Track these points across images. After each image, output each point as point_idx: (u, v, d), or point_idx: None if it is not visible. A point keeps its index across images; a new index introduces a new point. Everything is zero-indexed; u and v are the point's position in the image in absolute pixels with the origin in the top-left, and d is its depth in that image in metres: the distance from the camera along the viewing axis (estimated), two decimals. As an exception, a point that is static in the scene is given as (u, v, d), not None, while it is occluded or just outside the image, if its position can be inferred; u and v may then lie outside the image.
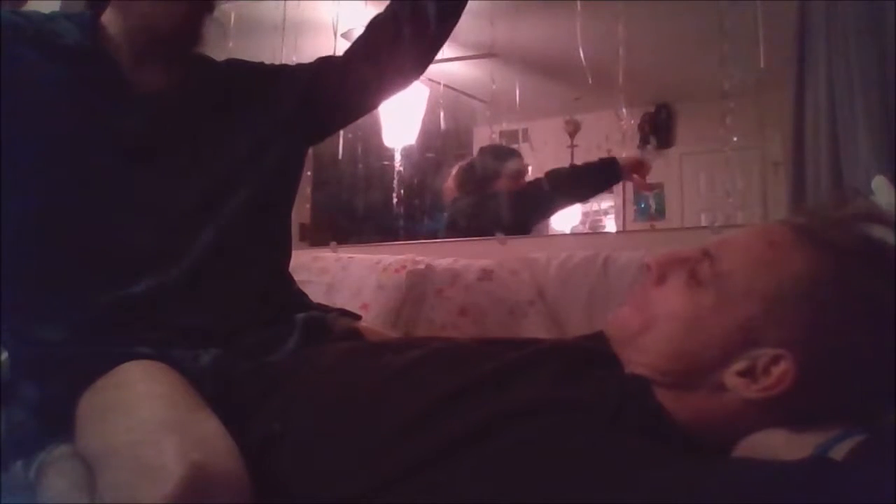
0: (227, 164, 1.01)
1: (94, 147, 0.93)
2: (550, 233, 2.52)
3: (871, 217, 0.67)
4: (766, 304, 0.64)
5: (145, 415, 0.74)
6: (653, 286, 0.73)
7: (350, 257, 1.92)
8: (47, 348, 0.90)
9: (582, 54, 2.13)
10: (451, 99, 2.84)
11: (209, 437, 0.70)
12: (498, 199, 2.32)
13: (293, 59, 1.20)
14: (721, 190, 2.18)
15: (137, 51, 0.97)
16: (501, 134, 2.95)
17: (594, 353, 0.76)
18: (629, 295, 0.77)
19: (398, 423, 0.66)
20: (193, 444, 0.67)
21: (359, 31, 1.14)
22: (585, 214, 2.91)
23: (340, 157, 2.78)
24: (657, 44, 2.53)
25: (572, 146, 2.86)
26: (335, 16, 2.38)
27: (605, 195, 2.77)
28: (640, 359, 0.70)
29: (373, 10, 1.13)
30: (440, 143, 2.93)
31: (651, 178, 2.40)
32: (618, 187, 2.71)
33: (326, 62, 1.13)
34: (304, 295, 1.13)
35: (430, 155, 2.94)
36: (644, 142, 2.86)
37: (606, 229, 2.87)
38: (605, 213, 2.93)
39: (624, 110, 2.40)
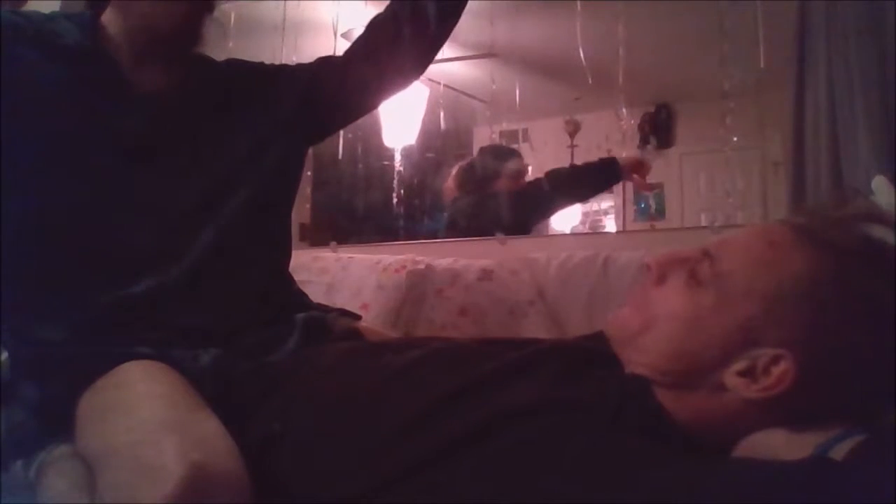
0: (227, 164, 1.01)
1: (94, 147, 0.93)
2: (550, 233, 2.52)
3: (871, 217, 0.67)
4: (766, 303, 0.64)
5: (145, 415, 0.74)
6: (653, 286, 0.73)
7: (350, 257, 1.92)
8: (47, 348, 0.90)
9: (582, 54, 2.13)
10: (451, 99, 2.84)
11: (209, 437, 0.70)
12: (498, 199, 2.32)
13: (293, 59, 1.20)
14: (721, 190, 2.18)
15: (137, 51, 0.97)
16: (501, 134, 2.95)
17: (594, 353, 0.76)
18: (629, 295, 0.77)
19: (398, 423, 0.66)
20: (193, 444, 0.67)
21: (359, 31, 1.14)
22: (585, 214, 2.91)
23: (340, 157, 2.78)
24: (657, 44, 2.53)
25: (572, 146, 2.86)
26: (335, 16, 2.38)
27: (605, 195, 2.77)
28: (640, 359, 0.70)
29: (373, 10, 1.13)
30: (440, 143, 2.93)
31: (651, 178, 2.40)
32: (618, 187, 2.71)
33: (326, 62, 1.13)
34: (304, 295, 1.13)
35: (430, 155, 2.94)
36: (644, 142, 2.86)
37: (606, 229, 2.87)
38: (605, 213, 2.93)
39: (624, 110, 2.40)
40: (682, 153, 2.88)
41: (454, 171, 2.55)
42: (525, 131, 3.02)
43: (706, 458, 0.62)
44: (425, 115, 2.80)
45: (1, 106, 0.88)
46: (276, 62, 1.18)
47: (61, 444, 0.82)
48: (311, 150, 1.24)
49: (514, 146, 2.85)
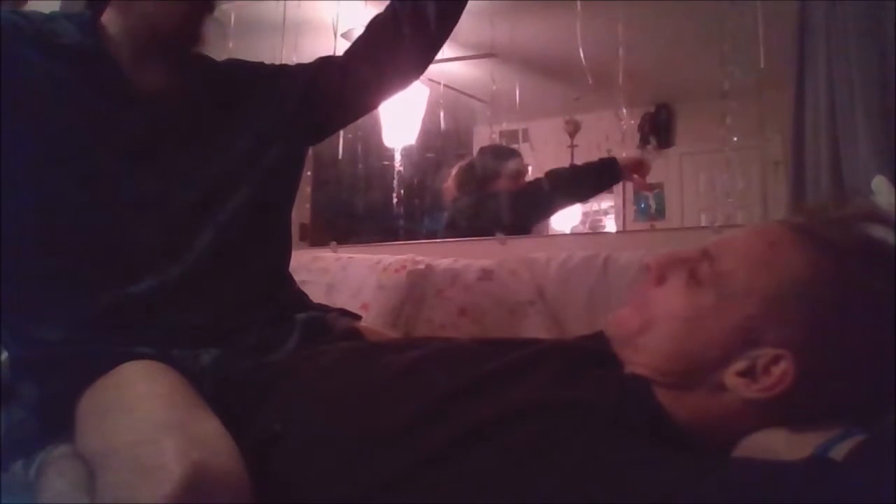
0: (227, 164, 1.01)
1: (94, 147, 0.93)
2: (550, 233, 2.52)
3: (870, 216, 0.67)
4: (766, 303, 0.64)
5: (145, 414, 0.73)
6: (652, 287, 0.73)
7: (350, 257, 1.92)
8: (47, 348, 0.90)
9: (582, 54, 2.12)
10: (451, 99, 2.84)
11: (209, 437, 0.70)
12: (498, 199, 2.32)
13: (293, 59, 1.20)
14: (721, 190, 2.18)
15: (138, 51, 0.97)
16: (501, 134, 2.95)
17: (594, 353, 0.76)
18: (629, 296, 0.77)
19: (398, 423, 0.66)
20: (193, 444, 0.67)
21: (359, 31, 1.14)
22: (585, 214, 2.91)
23: (340, 157, 2.78)
24: (657, 44, 2.52)
25: (572, 146, 2.86)
26: (335, 16, 2.38)
27: (605, 195, 2.77)
28: (640, 359, 0.70)
29: (373, 10, 1.13)
30: (440, 143, 2.93)
31: (651, 178, 2.40)
32: (618, 187, 2.71)
33: (326, 62, 1.13)
34: (304, 295, 1.13)
35: (430, 155, 2.94)
36: (644, 142, 2.86)
37: (606, 229, 2.87)
38: (605, 213, 2.93)
39: (624, 110, 2.40)
40: (682, 153, 2.88)
41: (454, 171, 2.55)
42: (525, 131, 3.02)
43: (706, 458, 0.62)
44: (425, 115, 2.80)
45: (1, 106, 0.88)
46: (276, 62, 1.18)
47: (61, 444, 0.82)
48: (311, 150, 1.23)
49: (514, 146, 2.84)
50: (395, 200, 2.77)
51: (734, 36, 1.84)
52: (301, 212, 2.98)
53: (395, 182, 2.78)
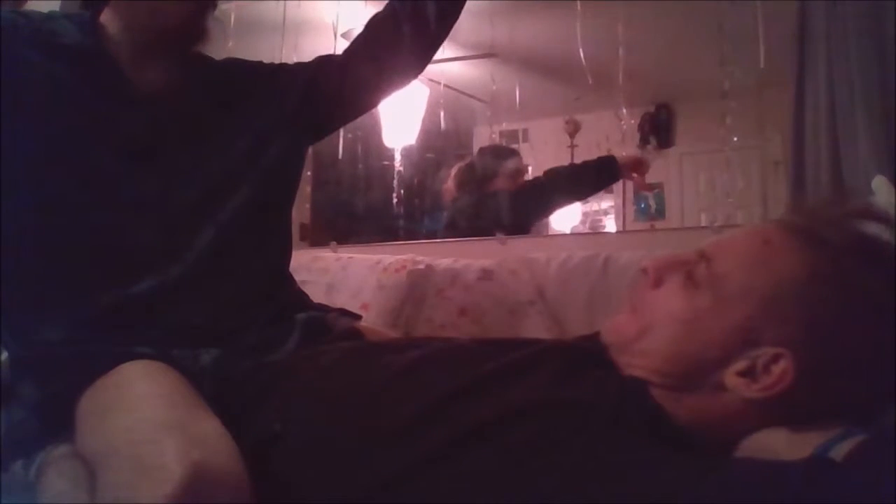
0: (227, 164, 1.01)
1: (94, 147, 0.93)
2: (550, 233, 2.52)
3: (866, 214, 0.67)
4: (764, 303, 0.64)
5: (145, 414, 0.73)
6: (650, 290, 0.73)
7: (350, 257, 1.92)
8: (47, 348, 0.90)
9: (582, 54, 2.12)
10: (451, 99, 2.84)
11: (209, 437, 0.70)
12: (497, 198, 2.32)
13: (293, 59, 1.20)
14: (721, 190, 2.19)
15: (138, 50, 0.97)
16: (501, 134, 2.95)
17: (594, 354, 0.76)
18: (627, 300, 0.77)
19: (398, 422, 0.66)
20: (194, 444, 0.66)
21: (359, 30, 1.14)
22: (585, 214, 2.91)
23: (340, 157, 2.78)
24: (657, 44, 2.52)
25: (572, 146, 2.86)
26: (335, 16, 2.38)
27: (605, 195, 2.77)
28: (639, 362, 0.70)
29: (373, 10, 1.13)
30: (440, 143, 2.93)
31: (651, 178, 2.40)
32: (618, 187, 2.71)
33: (326, 61, 1.13)
34: (304, 295, 1.13)
35: (430, 155, 2.94)
36: (644, 142, 2.86)
37: (606, 229, 2.87)
38: (605, 213, 2.93)
39: (624, 110, 2.41)
40: (682, 153, 2.88)
41: (454, 171, 2.55)
42: (525, 131, 3.02)
43: (706, 458, 0.62)
44: (425, 115, 2.80)
45: (1, 106, 0.88)
46: (276, 62, 1.18)
47: (61, 444, 0.82)
48: (311, 150, 1.23)
49: (514, 146, 2.84)
50: (395, 200, 2.77)
51: (734, 36, 1.84)
52: (301, 212, 2.99)
53: (395, 182, 2.78)
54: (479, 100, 2.91)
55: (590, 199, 2.74)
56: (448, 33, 1.13)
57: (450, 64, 2.67)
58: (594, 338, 0.79)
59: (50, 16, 0.98)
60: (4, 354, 0.95)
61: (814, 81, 1.59)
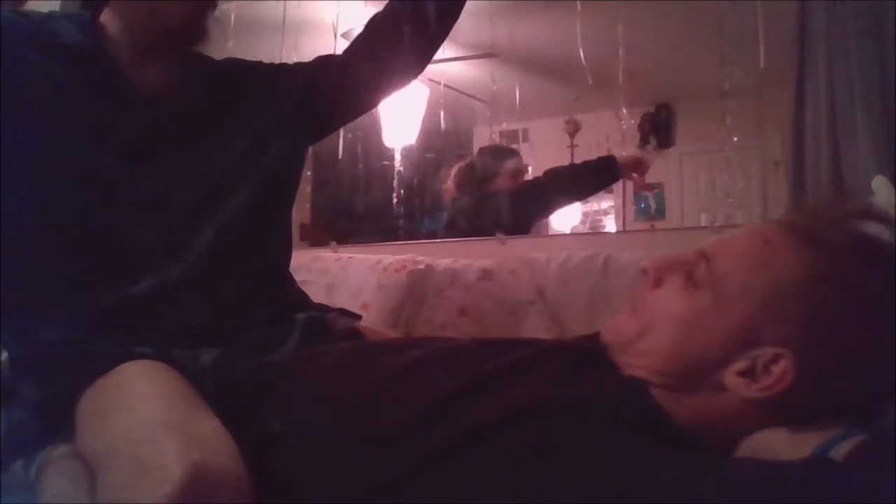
0: (227, 163, 1.01)
1: (94, 147, 0.93)
2: (550, 233, 2.52)
3: (866, 214, 0.67)
4: (764, 303, 0.64)
5: (145, 414, 0.73)
6: (650, 290, 0.73)
7: (350, 257, 1.92)
8: (47, 348, 0.90)
9: (582, 54, 2.13)
10: (451, 99, 2.84)
11: (209, 437, 0.70)
12: (497, 198, 2.32)
13: (293, 59, 1.20)
14: (721, 190, 2.19)
15: (138, 50, 0.97)
16: (501, 134, 2.95)
17: (594, 354, 0.76)
18: (626, 300, 0.77)
19: (398, 422, 0.66)
20: (194, 444, 0.67)
21: (359, 30, 1.14)
22: (585, 214, 2.91)
23: (340, 157, 2.78)
24: (657, 44, 2.53)
25: (572, 146, 2.86)
26: (335, 16, 2.38)
27: (605, 195, 2.77)
28: (639, 362, 0.70)
29: (373, 10, 1.13)
30: (440, 143, 2.93)
31: (651, 178, 2.40)
32: (618, 187, 2.71)
33: (326, 61, 1.13)
34: (304, 295, 1.13)
35: (430, 155, 2.94)
36: (644, 142, 2.86)
37: (606, 229, 2.87)
38: (605, 213, 2.93)
39: (624, 110, 2.41)
40: (682, 153, 2.88)
41: (454, 171, 2.55)
42: (525, 131, 3.02)
43: (706, 458, 0.62)
44: (425, 115, 2.80)
45: (1, 106, 0.88)
46: (276, 62, 1.18)
47: (61, 444, 0.82)
48: (311, 150, 1.23)
49: (514, 146, 2.84)
50: (395, 200, 2.77)
51: (734, 36, 1.84)
52: (301, 212, 2.99)
53: (395, 182, 2.78)
54: (479, 100, 2.91)
55: (590, 199, 2.74)
56: (448, 33, 1.13)
57: (450, 64, 2.67)
58: (594, 338, 0.79)
59: (50, 16, 0.98)
60: (4, 354, 0.95)
61: (814, 81, 1.59)
